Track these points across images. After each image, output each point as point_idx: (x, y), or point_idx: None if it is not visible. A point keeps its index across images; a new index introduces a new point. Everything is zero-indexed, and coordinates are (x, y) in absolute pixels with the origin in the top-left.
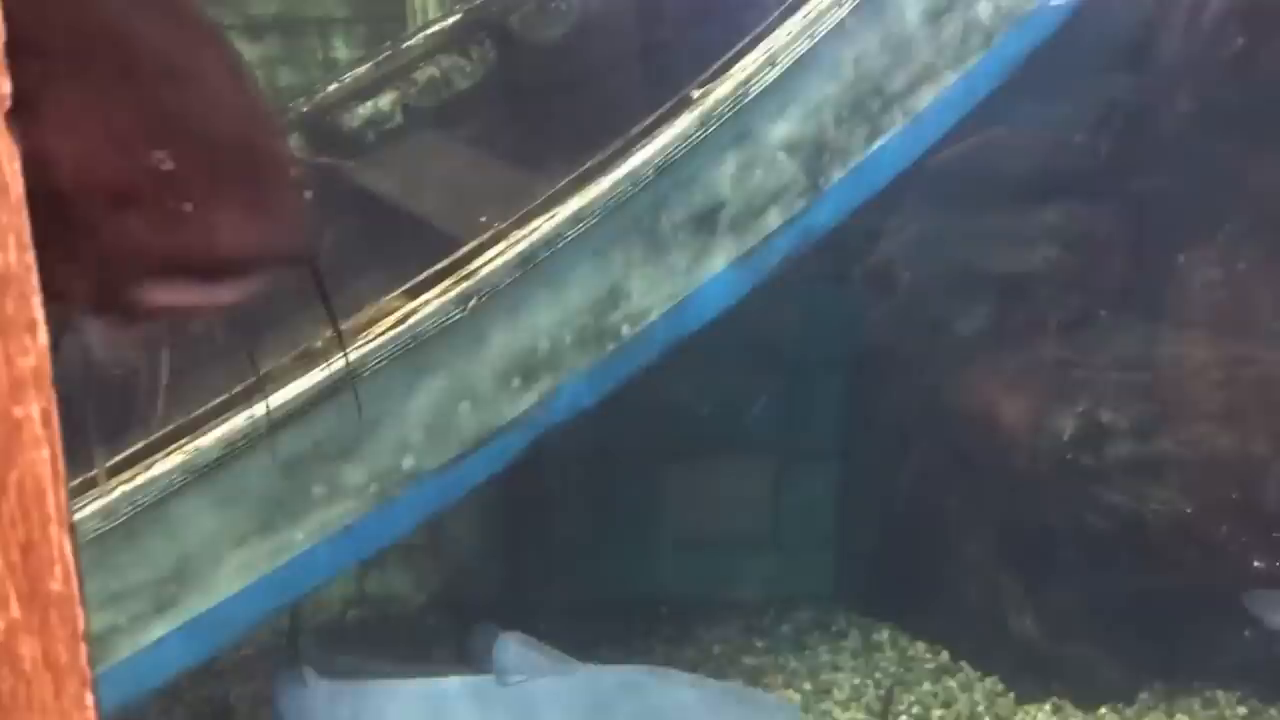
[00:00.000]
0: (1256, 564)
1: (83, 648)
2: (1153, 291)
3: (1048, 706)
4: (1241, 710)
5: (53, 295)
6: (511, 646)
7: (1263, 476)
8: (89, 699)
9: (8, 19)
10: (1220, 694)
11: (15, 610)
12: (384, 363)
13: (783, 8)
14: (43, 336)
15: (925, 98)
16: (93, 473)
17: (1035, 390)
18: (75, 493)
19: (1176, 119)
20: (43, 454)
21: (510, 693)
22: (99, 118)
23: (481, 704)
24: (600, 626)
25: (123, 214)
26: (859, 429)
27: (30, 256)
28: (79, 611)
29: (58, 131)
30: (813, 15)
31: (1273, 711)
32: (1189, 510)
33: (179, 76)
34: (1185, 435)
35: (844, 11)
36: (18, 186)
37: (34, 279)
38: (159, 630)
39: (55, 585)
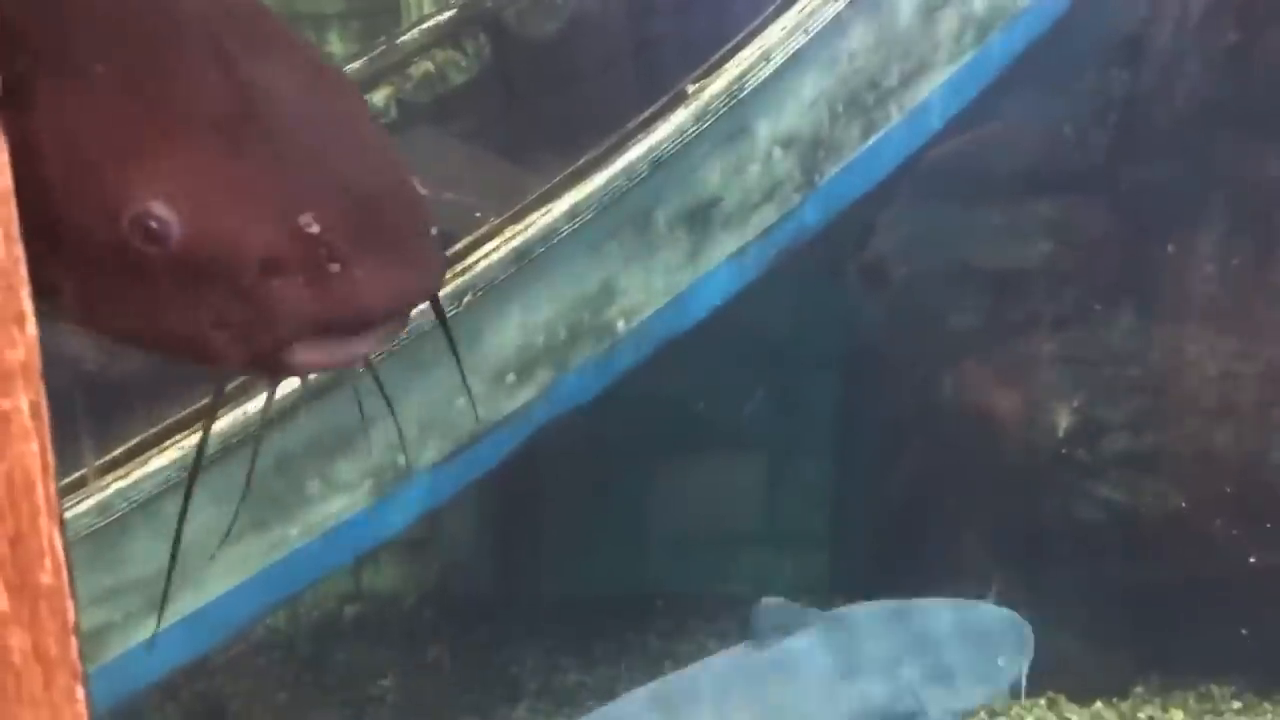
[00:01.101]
0: (1250, 558)
1: (73, 640)
2: (1147, 286)
3: (1043, 701)
4: (1236, 704)
5: (209, 357)
6: (766, 612)
7: (1256, 470)
8: (79, 692)
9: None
10: (1215, 687)
11: (4, 603)
12: (379, 359)
13: (778, 3)
14: (31, 329)
15: (920, 93)
16: (83, 471)
17: (1030, 385)
18: (68, 490)
19: (1171, 113)
20: (31, 446)
21: (773, 654)
22: (245, 186)
23: (751, 673)
24: (595, 620)
25: (273, 280)
26: (853, 424)
27: (19, 249)
28: (69, 604)
29: (207, 202)
30: (808, 10)
31: (1266, 705)
32: (1183, 504)
33: (318, 133)
34: (1179, 430)
35: (839, 6)
36: (5, 181)
37: (22, 271)
38: (152, 627)
39: (45, 578)
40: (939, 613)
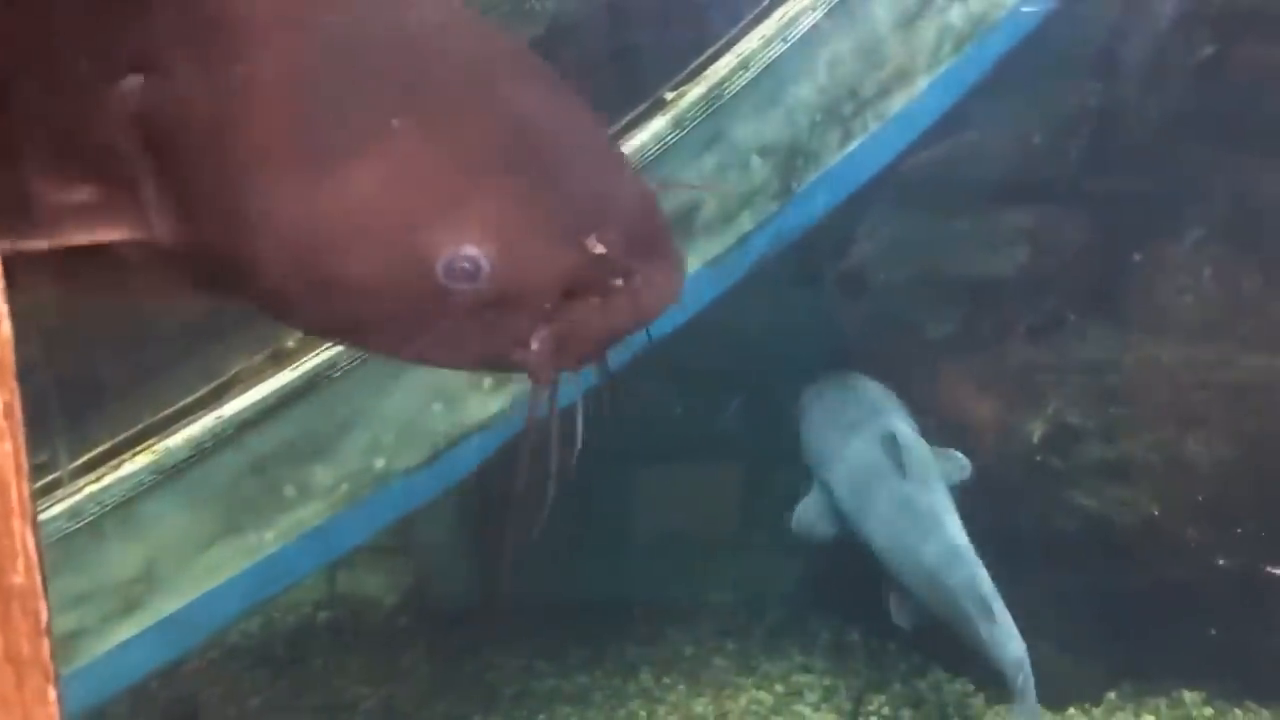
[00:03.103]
0: (1222, 565)
1: (45, 642)
2: (1122, 295)
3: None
4: (1208, 710)
5: (507, 371)
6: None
7: (1229, 478)
8: (52, 693)
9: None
10: (1186, 694)
11: None
12: (356, 363)
13: (756, 11)
14: (5, 329)
15: (897, 102)
16: (57, 474)
17: (1005, 393)
18: (42, 492)
19: (1145, 124)
20: (5, 447)
21: None
22: (540, 219)
23: None
24: (571, 627)
25: (571, 302)
26: None
27: None
28: (42, 605)
29: (510, 239)
30: (786, 19)
31: (1238, 711)
32: (1156, 512)
33: (579, 155)
34: (1153, 438)
35: (817, 15)
36: None
37: None
38: (127, 631)
39: (17, 578)
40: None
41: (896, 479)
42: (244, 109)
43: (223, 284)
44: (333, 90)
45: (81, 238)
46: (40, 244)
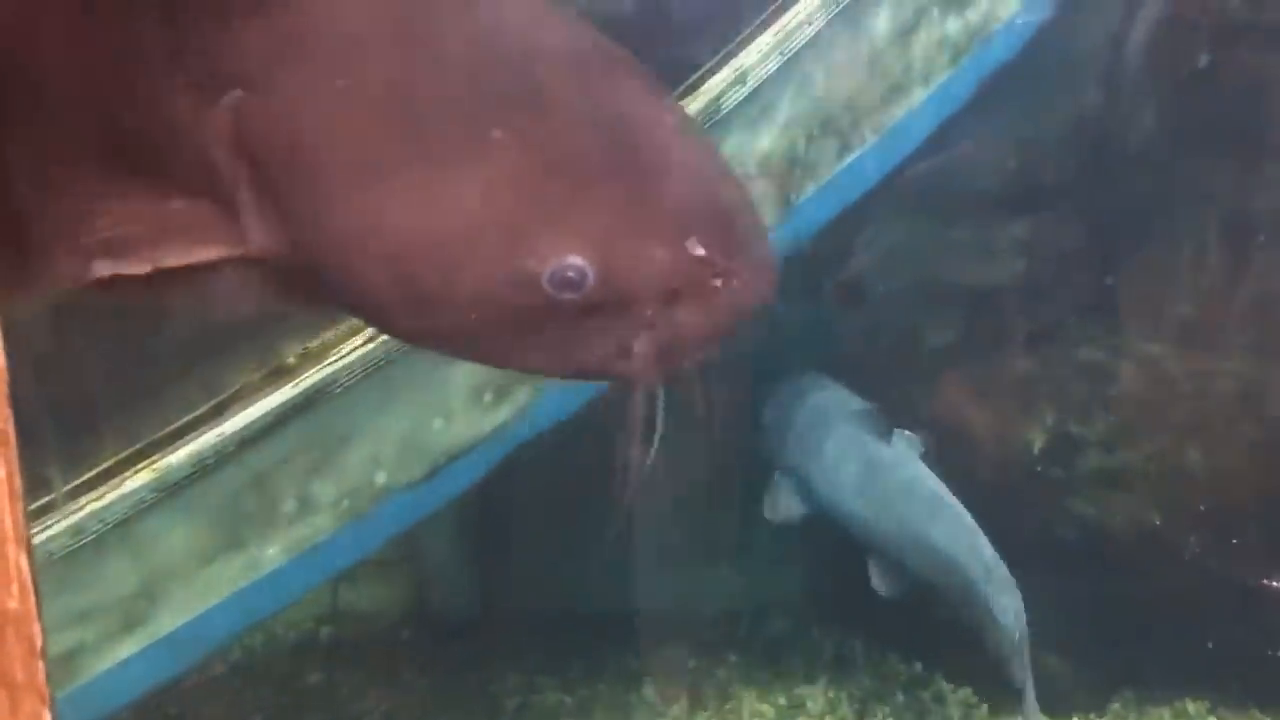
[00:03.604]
0: (1223, 573)
1: (40, 665)
2: (1120, 304)
3: (1020, 718)
4: (1211, 719)
5: (612, 378)
6: None
7: (1229, 487)
8: (46, 717)
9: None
10: (1190, 703)
11: None
12: (356, 378)
13: (754, 25)
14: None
15: (895, 114)
16: (52, 496)
17: (1004, 402)
18: (39, 513)
19: (1141, 133)
20: None
21: None
22: (641, 226)
23: None
24: (574, 638)
25: (674, 307)
26: None
27: None
28: (36, 629)
29: (613, 248)
30: (784, 33)
31: None
32: (1158, 521)
33: (674, 156)
34: (1152, 447)
35: (815, 29)
36: None
37: None
38: (128, 648)
39: (12, 603)
40: None
41: (878, 449)
42: (344, 123)
43: (320, 296)
44: (433, 102)
45: (180, 259)
46: (142, 267)
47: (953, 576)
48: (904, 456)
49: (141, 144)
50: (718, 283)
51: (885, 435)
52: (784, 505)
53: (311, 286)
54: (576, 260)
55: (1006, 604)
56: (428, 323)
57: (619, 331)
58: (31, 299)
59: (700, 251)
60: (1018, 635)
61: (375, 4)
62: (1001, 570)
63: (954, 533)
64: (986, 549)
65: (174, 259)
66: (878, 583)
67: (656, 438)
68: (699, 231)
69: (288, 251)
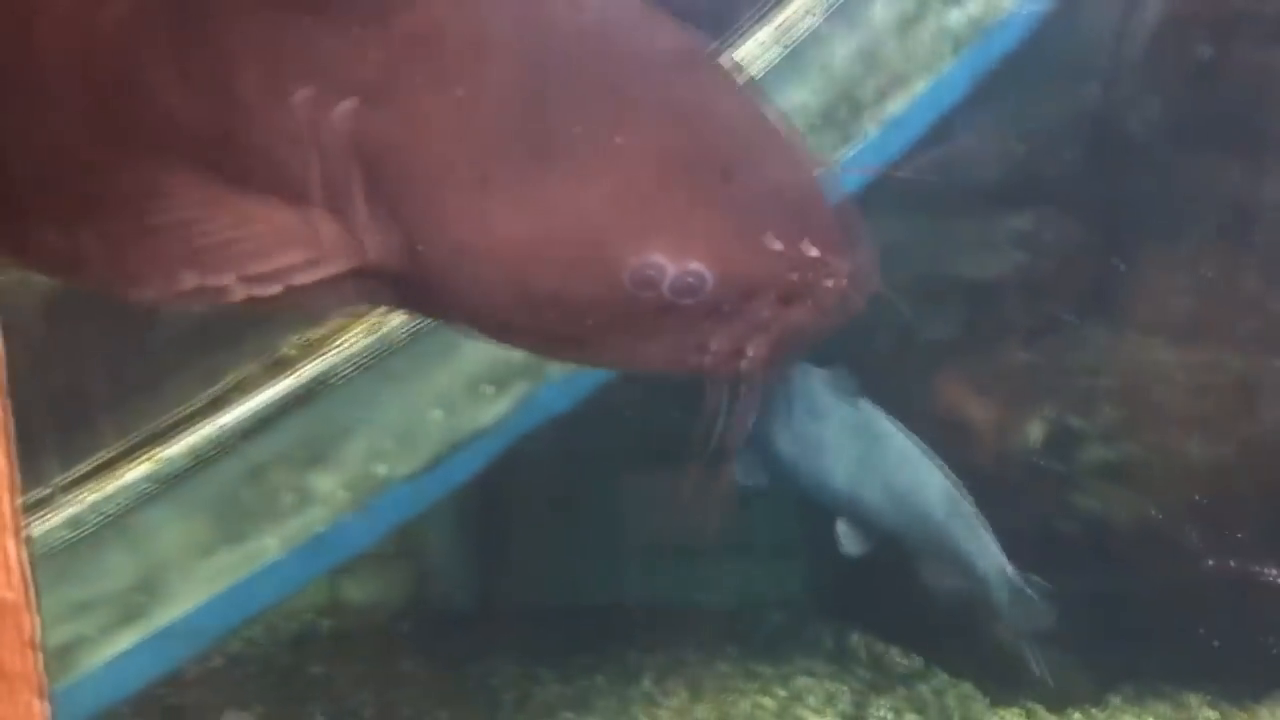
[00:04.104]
0: (1223, 567)
1: (36, 656)
2: (1121, 297)
3: (1019, 711)
4: (1212, 714)
5: (697, 374)
6: None
7: (1228, 480)
8: (41, 707)
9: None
10: (1191, 696)
11: None
12: (355, 370)
13: (754, 17)
14: None
15: (895, 105)
16: (50, 488)
17: (1004, 395)
18: (36, 505)
19: (1143, 126)
20: None
21: None
22: (729, 223)
23: None
24: (573, 631)
25: (783, 307)
26: None
27: None
28: (31, 619)
29: (699, 247)
30: (785, 25)
31: (1242, 714)
32: (1157, 514)
33: (764, 152)
34: (1153, 440)
35: (816, 20)
36: None
37: None
38: (127, 641)
39: (8, 593)
40: None
41: (846, 410)
42: (463, 129)
43: (435, 306)
44: (550, 107)
45: (309, 277)
46: (274, 289)
47: (929, 526)
48: (880, 417)
49: (252, 153)
50: (829, 282)
51: (853, 396)
52: (746, 477)
53: (427, 296)
54: (697, 265)
55: (982, 543)
56: (547, 332)
57: (735, 335)
58: (145, 304)
59: (814, 252)
60: (997, 570)
61: (491, 9)
62: (969, 508)
63: (927, 482)
64: (962, 499)
65: (302, 277)
66: (846, 543)
67: (742, 434)
68: (812, 232)
69: (404, 261)
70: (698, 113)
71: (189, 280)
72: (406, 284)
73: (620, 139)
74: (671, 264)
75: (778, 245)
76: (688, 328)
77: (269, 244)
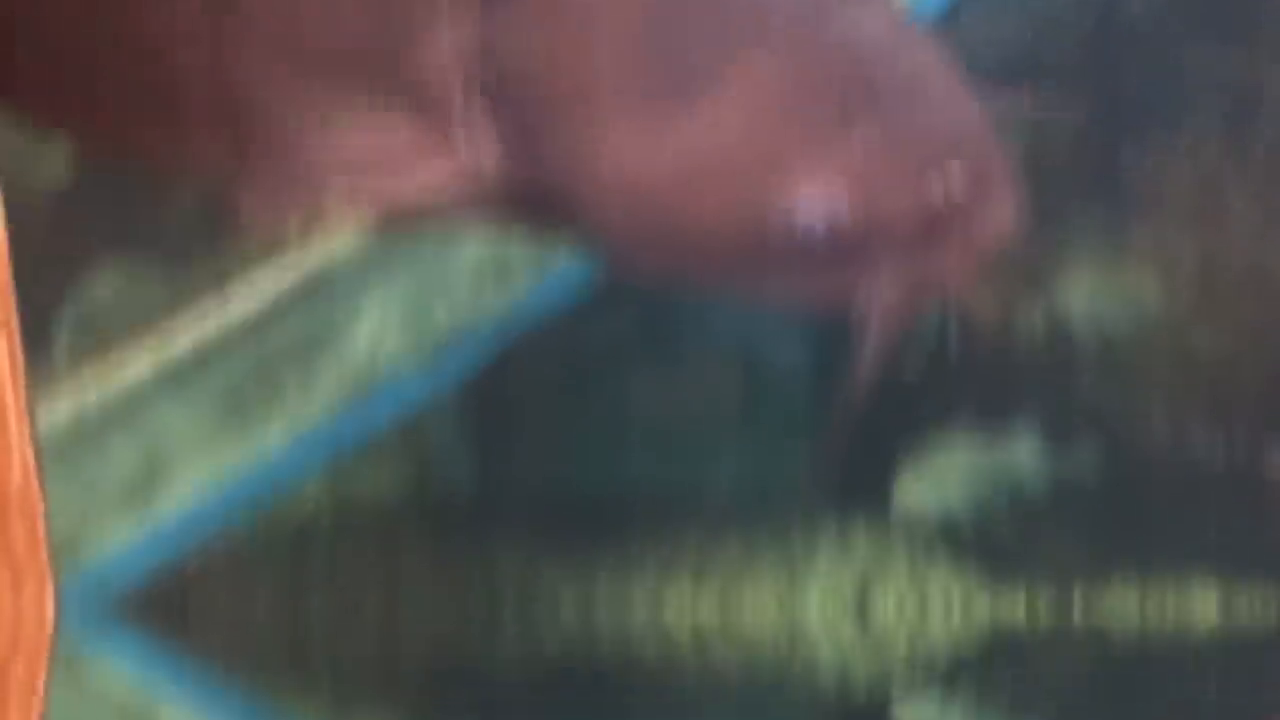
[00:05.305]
0: (1228, 457)
1: (42, 545)
2: (1124, 183)
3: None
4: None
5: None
6: None
7: (1234, 370)
8: (48, 597)
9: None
10: (1195, 578)
11: None
12: (355, 263)
13: None
14: None
15: None
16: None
17: (1004, 282)
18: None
19: (1146, 11)
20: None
21: None
22: (891, 158)
23: None
24: (574, 522)
25: (923, 243)
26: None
27: None
28: (38, 507)
29: (862, 182)
30: None
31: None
32: (1162, 404)
33: (926, 84)
34: (1157, 327)
35: None
36: None
37: None
38: (129, 532)
39: (14, 479)
40: None
41: None
42: (591, 46)
43: (554, 221)
44: (685, 28)
45: (448, 194)
46: (415, 199)
47: None
48: None
49: (373, 63)
50: (970, 219)
51: None
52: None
53: (547, 212)
54: (831, 196)
55: None
56: (667, 254)
57: (871, 270)
58: (276, 219)
59: (956, 187)
60: None
61: None
62: None
63: None
64: None
65: (405, 180)
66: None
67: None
68: (954, 166)
69: (522, 173)
70: (849, 40)
71: (336, 188)
72: (528, 201)
73: (754, 65)
74: (804, 195)
75: (919, 178)
76: (821, 263)
77: (413, 156)
